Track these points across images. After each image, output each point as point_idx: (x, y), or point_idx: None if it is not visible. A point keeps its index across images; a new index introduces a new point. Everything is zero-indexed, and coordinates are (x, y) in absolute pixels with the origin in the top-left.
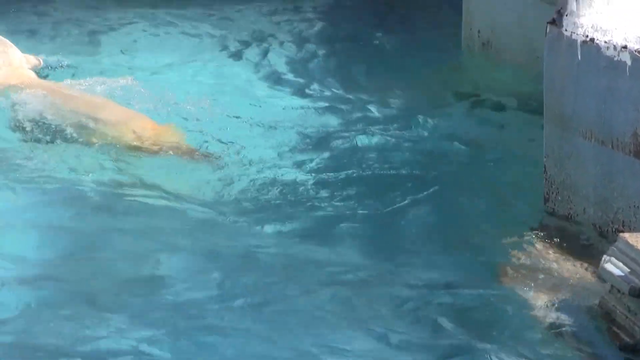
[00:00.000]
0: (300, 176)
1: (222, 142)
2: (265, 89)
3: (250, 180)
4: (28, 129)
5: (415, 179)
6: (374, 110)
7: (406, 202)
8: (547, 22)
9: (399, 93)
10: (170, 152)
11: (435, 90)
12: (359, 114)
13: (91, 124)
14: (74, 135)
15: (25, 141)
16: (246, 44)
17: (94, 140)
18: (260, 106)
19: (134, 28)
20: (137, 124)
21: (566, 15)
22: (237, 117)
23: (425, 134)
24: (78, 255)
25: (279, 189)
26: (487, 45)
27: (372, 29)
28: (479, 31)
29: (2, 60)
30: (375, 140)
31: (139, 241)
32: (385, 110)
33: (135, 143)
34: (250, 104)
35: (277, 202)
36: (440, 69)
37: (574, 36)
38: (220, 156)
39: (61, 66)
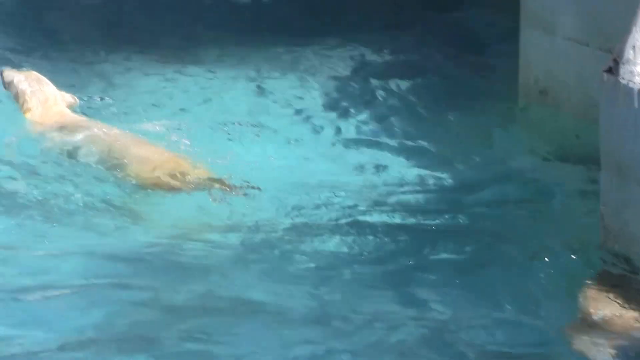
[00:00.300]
0: (336, 218)
1: (254, 182)
2: (303, 127)
3: (284, 221)
4: (63, 166)
5: (465, 228)
6: (426, 154)
7: (453, 252)
8: (604, 70)
9: (450, 139)
10: (203, 187)
11: (489, 138)
12: (404, 159)
13: (124, 162)
14: (108, 172)
15: (61, 178)
16: (286, 82)
17: (127, 177)
18: (295, 146)
19: (178, 78)
20: (169, 162)
21: (622, 64)
22: (274, 157)
23: (476, 182)
24: (110, 290)
25: (312, 231)
26: (544, 93)
27: (426, 74)
28: (536, 79)
29: (38, 99)
30: (421, 185)
31: (167, 278)
32: (435, 156)
33: (165, 180)
34: (285, 142)
35: (309, 242)
36: (496, 116)
37: (630, 84)
38: (254, 187)
39: (98, 105)
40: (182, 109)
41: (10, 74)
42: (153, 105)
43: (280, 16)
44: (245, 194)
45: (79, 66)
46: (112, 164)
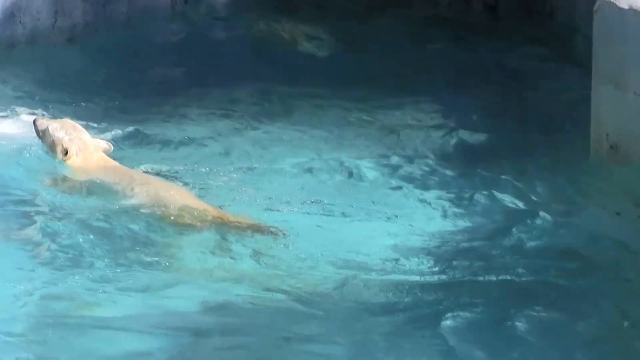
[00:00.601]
0: (379, 270)
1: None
2: (353, 182)
3: (324, 271)
4: (107, 211)
5: (536, 283)
6: (494, 209)
7: (524, 307)
8: None
9: (521, 193)
10: (240, 233)
11: (562, 192)
12: (473, 210)
13: (165, 210)
14: (152, 219)
15: (109, 225)
16: (343, 138)
17: (168, 224)
18: (341, 198)
19: (221, 131)
20: (208, 211)
21: None
22: (318, 208)
23: (548, 236)
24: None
25: (349, 281)
26: (615, 148)
27: (495, 128)
28: (607, 134)
29: (77, 146)
30: (497, 238)
31: (210, 329)
32: (498, 210)
33: (202, 227)
34: (332, 196)
35: (345, 292)
36: (567, 170)
37: None
38: (284, 233)
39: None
40: (221, 160)
41: (43, 122)
42: (190, 155)
43: (341, 78)
44: (283, 237)
45: (123, 120)
46: (155, 212)
